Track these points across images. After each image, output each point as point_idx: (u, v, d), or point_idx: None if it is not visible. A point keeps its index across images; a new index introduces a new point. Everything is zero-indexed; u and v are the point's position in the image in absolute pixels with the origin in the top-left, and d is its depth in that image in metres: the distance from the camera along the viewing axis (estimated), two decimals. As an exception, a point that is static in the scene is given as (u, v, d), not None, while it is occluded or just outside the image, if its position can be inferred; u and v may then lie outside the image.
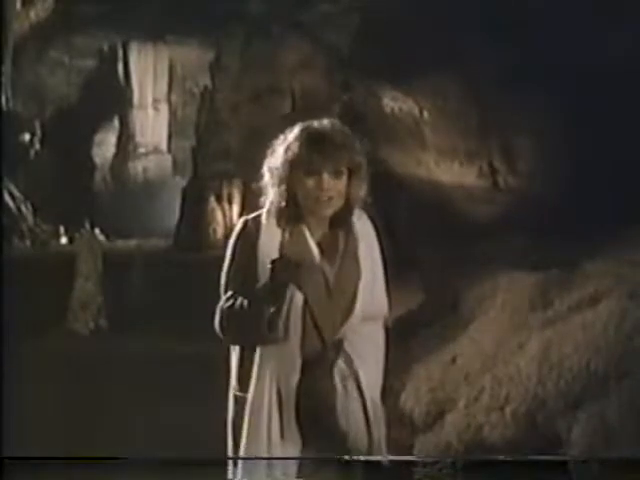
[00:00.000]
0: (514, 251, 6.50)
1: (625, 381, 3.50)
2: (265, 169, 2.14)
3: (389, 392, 4.41)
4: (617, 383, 3.52)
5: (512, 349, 4.24)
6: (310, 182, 2.06)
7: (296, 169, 2.07)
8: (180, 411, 4.84)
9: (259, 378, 2.07)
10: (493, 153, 12.45)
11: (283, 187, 2.09)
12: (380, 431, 2.16)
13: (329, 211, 2.10)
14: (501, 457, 3.55)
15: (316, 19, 14.84)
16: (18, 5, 18.89)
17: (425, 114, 13.15)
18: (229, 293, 2.12)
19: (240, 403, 2.11)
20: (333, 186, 2.07)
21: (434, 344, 4.92)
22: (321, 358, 2.08)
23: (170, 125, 24.70)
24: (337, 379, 2.09)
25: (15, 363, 5.05)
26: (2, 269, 7.29)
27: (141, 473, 2.55)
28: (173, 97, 24.71)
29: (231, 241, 2.17)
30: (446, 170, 12.73)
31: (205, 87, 17.73)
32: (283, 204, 2.10)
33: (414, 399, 4.35)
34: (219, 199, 15.75)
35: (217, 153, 15.42)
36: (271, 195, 2.13)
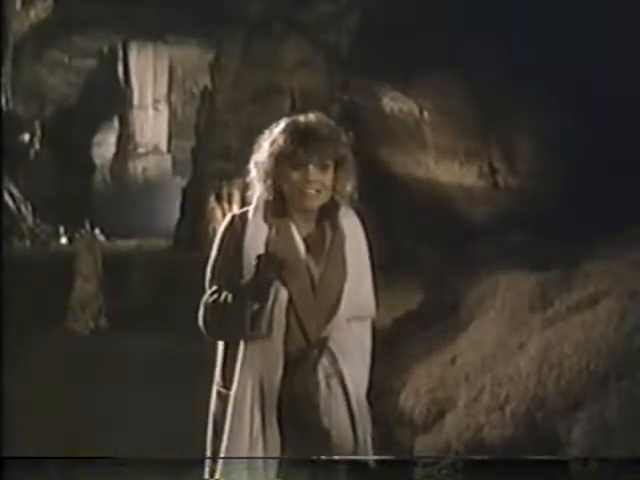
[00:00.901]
0: (514, 251, 6.50)
1: (625, 381, 3.50)
2: (251, 164, 2.15)
3: (389, 392, 4.42)
4: (617, 383, 3.52)
5: (512, 349, 4.24)
6: (296, 175, 2.06)
7: (282, 162, 2.07)
8: (180, 411, 4.84)
9: (242, 374, 2.06)
10: (493, 153, 12.45)
11: (269, 181, 2.10)
12: (366, 430, 2.15)
13: (315, 204, 2.09)
14: (501, 457, 3.55)
15: (316, 19, 14.83)
16: (18, 5, 18.88)
17: (425, 114, 13.15)
18: (213, 288, 2.12)
19: (223, 399, 2.11)
20: (319, 179, 2.06)
21: (434, 344, 4.92)
22: (305, 356, 2.07)
23: (170, 125, 24.70)
24: (321, 377, 2.07)
25: (15, 363, 5.05)
26: (2, 269, 7.28)
27: (141, 473, 2.55)
28: (173, 97, 24.71)
29: (217, 236, 2.17)
30: (446, 170, 12.73)
31: (205, 87, 17.73)
32: (270, 198, 2.10)
33: (414, 399, 4.35)
34: (219, 199, 15.75)
35: (217, 153, 15.42)
36: (258, 190, 2.13)
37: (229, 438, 2.07)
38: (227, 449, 2.06)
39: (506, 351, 4.26)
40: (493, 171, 12.48)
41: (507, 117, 11.72)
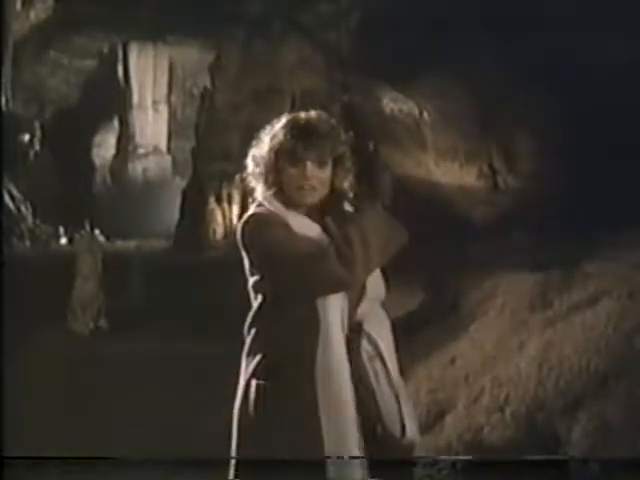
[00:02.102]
0: (514, 252, 6.51)
1: (625, 381, 3.50)
2: (249, 158, 2.15)
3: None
4: (617, 383, 3.52)
5: (512, 349, 4.24)
6: (293, 171, 2.07)
7: (281, 158, 2.08)
8: (180, 411, 4.84)
9: (332, 368, 2.02)
10: (493, 154, 12.45)
11: (271, 177, 2.10)
12: (409, 410, 2.16)
13: (311, 200, 2.09)
14: (501, 457, 3.54)
15: (316, 20, 14.84)
16: (18, 6, 18.90)
17: (425, 115, 13.16)
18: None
19: (264, 392, 2.07)
20: (316, 175, 2.07)
21: (434, 344, 4.92)
22: (347, 340, 2.08)
23: (170, 126, 24.71)
24: (365, 360, 2.10)
25: (15, 363, 5.05)
26: (2, 269, 7.28)
27: (141, 473, 2.55)
28: (173, 98, 24.72)
29: (248, 236, 2.07)
30: (446, 171, 12.74)
31: (205, 87, 17.75)
32: (273, 195, 2.10)
33: (414, 400, 4.35)
34: (219, 200, 15.76)
35: (217, 154, 15.43)
36: (257, 184, 2.13)
37: (333, 437, 2.00)
38: (333, 450, 2.02)
39: (506, 351, 4.26)
40: (493, 172, 12.49)
41: (507, 117, 11.73)
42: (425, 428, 4.14)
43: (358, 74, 13.17)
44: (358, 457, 2.11)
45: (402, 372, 2.19)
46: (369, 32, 12.83)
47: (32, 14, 19.81)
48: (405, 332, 5.48)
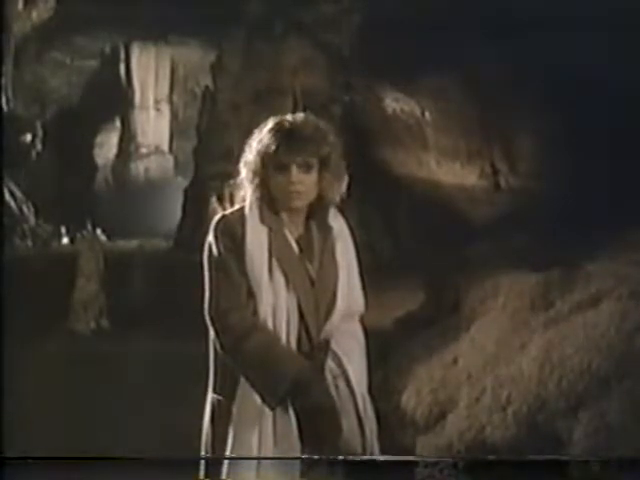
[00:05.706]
0: (515, 251, 6.50)
1: (626, 381, 3.50)
2: (241, 164, 2.15)
3: (391, 393, 4.41)
4: (618, 383, 3.51)
5: (513, 349, 4.24)
6: (279, 175, 2.07)
7: (267, 163, 2.08)
8: (179, 411, 4.83)
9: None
10: (495, 154, 12.44)
11: (257, 181, 2.10)
12: (372, 427, 2.16)
13: (299, 204, 2.09)
14: (502, 457, 3.54)
15: (317, 19, 14.83)
16: (19, 5, 18.89)
17: (427, 115, 13.15)
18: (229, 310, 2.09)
19: (221, 407, 2.09)
20: (302, 179, 2.07)
21: (435, 345, 4.92)
22: (311, 358, 2.06)
23: (172, 125, 24.69)
24: (329, 379, 2.08)
25: (15, 363, 5.05)
26: (3, 269, 7.29)
27: (141, 473, 2.54)
28: (175, 97, 24.70)
29: (212, 240, 2.12)
30: (447, 171, 12.72)
31: (207, 87, 17.73)
32: (260, 198, 2.10)
33: (415, 400, 4.35)
34: (221, 199, 15.73)
35: (218, 153, 15.40)
36: (248, 190, 2.13)
37: (235, 447, 2.05)
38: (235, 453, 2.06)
39: (508, 351, 4.26)
40: (495, 171, 12.46)
41: (508, 117, 11.72)
42: (426, 428, 4.14)
43: (360, 74, 13.16)
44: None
45: (370, 390, 2.18)
46: (371, 32, 12.82)
47: (34, 14, 19.79)
48: (407, 332, 5.48)
